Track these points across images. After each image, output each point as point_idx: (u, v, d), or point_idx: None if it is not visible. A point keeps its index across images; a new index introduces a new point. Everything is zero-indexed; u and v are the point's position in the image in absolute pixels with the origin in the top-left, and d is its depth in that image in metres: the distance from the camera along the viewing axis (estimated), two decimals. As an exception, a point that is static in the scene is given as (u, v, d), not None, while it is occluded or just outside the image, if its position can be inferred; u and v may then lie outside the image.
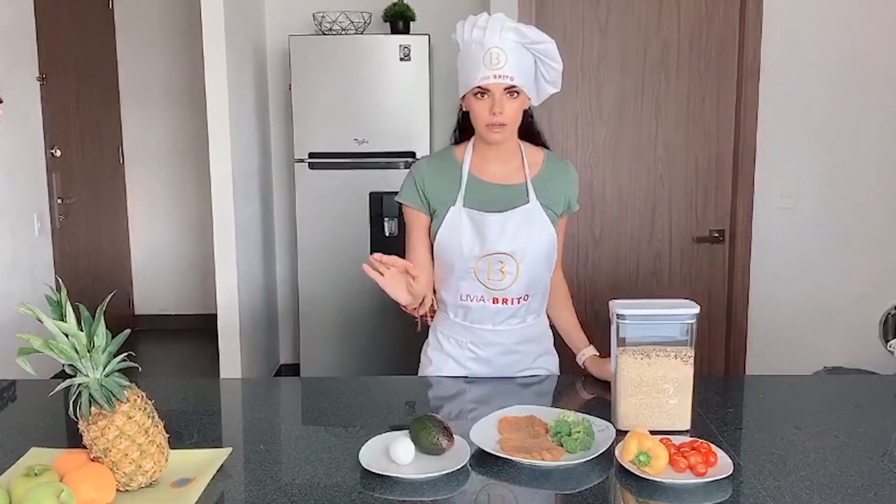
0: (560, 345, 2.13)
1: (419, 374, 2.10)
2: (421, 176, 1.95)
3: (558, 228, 1.97)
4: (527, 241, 1.89)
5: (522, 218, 1.90)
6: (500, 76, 1.79)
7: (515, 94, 1.82)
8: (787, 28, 3.45)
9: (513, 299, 1.94)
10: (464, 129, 1.99)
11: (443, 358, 2.04)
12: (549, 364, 2.10)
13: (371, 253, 4.06)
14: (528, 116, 1.96)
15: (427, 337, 2.12)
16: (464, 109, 1.91)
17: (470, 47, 1.84)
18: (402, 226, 4.07)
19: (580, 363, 2.02)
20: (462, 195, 1.91)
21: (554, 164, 1.99)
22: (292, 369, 4.72)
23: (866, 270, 3.60)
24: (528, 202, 1.91)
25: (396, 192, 2.01)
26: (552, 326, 2.13)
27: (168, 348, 5.41)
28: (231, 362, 3.94)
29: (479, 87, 1.80)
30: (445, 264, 1.93)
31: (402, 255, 2.02)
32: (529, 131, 1.99)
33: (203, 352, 5.01)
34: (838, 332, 3.62)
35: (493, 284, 1.92)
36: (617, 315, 1.62)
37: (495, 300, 1.94)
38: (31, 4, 4.08)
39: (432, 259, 1.98)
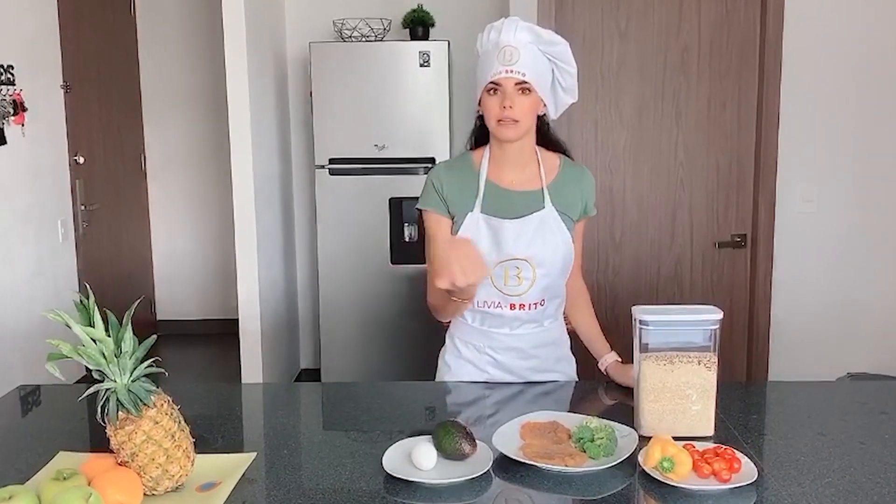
0: (579, 350, 2.13)
1: (437, 380, 2.10)
2: (440, 181, 1.96)
3: (575, 233, 1.97)
4: (542, 246, 1.90)
5: (538, 224, 1.90)
6: (511, 71, 1.80)
7: (527, 92, 1.83)
8: (809, 30, 3.42)
9: (529, 305, 1.95)
10: (479, 136, 2.00)
11: (461, 363, 2.04)
12: (568, 368, 2.10)
13: (391, 259, 4.12)
14: (544, 125, 1.97)
15: (444, 342, 2.12)
16: (479, 112, 1.92)
17: (487, 49, 1.86)
18: (421, 231, 4.08)
19: (602, 369, 2.01)
20: (480, 202, 1.92)
21: (570, 169, 2.00)
22: (313, 374, 4.74)
23: (890, 275, 3.56)
24: (543, 208, 1.92)
25: (416, 198, 2.02)
26: (572, 332, 2.13)
27: (190, 353, 5.45)
28: (252, 367, 3.97)
29: (491, 82, 1.82)
30: None
31: (422, 261, 2.03)
32: (547, 139, 2.00)
33: (224, 357, 5.04)
34: (862, 337, 3.58)
35: (509, 290, 1.92)
36: (639, 321, 1.61)
37: (512, 306, 1.94)
38: (56, 14, 4.13)
39: None
